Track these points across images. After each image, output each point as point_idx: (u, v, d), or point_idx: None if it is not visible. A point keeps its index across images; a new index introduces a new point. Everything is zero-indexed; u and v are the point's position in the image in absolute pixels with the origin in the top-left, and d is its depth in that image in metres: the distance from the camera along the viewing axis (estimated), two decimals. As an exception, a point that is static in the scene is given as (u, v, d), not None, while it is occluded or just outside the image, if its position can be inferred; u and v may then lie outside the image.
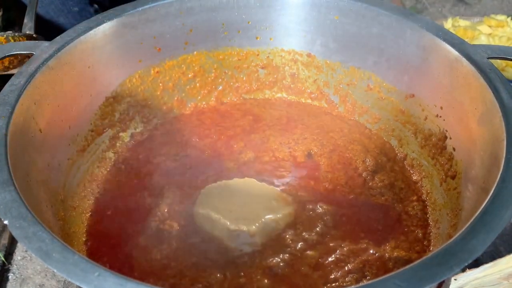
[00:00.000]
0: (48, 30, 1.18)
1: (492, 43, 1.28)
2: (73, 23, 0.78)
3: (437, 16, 1.77)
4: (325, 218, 0.73)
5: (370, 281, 0.45)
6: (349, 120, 0.92)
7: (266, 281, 0.65)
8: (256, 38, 0.92)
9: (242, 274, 0.66)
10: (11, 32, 0.92)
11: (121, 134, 0.86)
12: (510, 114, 0.61)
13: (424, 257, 0.47)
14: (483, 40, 1.28)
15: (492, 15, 1.38)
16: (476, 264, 0.82)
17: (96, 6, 1.22)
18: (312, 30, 0.89)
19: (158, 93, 0.90)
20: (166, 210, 0.74)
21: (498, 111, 0.62)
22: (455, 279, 0.80)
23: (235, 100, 0.96)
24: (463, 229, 0.50)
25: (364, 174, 0.81)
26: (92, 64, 0.79)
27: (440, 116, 0.77)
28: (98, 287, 0.44)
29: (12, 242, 1.01)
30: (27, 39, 0.92)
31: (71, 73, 0.75)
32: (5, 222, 0.50)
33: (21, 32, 0.95)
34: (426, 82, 0.79)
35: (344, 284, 0.65)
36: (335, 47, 0.89)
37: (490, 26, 1.33)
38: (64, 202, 0.71)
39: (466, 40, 1.24)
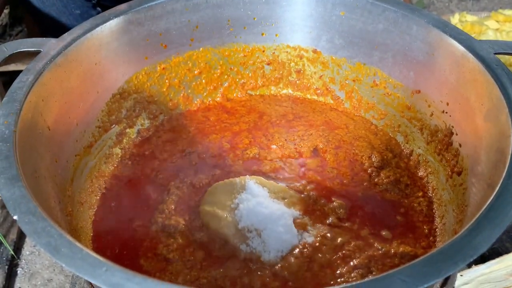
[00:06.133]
0: (51, 29, 1.18)
1: (500, 38, 1.27)
2: (75, 24, 0.78)
3: (444, 11, 1.76)
4: (332, 214, 0.73)
5: (375, 277, 0.45)
6: (355, 116, 0.92)
7: (271, 277, 0.66)
8: (262, 34, 0.92)
9: (248, 270, 0.66)
10: None
11: (127, 130, 0.87)
12: (517, 110, 0.61)
13: (429, 253, 0.47)
14: (490, 35, 1.27)
15: (500, 10, 1.36)
16: (482, 260, 0.82)
17: (99, 9, 1.21)
18: (318, 26, 0.89)
19: (164, 89, 0.90)
20: (172, 206, 0.74)
21: (505, 107, 0.62)
22: (461, 275, 0.80)
23: (240, 96, 0.96)
24: (469, 225, 0.50)
25: (369, 170, 0.81)
26: (99, 61, 0.79)
27: (446, 112, 0.77)
28: (106, 282, 0.45)
29: (21, 237, 1.02)
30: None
31: (78, 70, 0.76)
32: (15, 217, 0.51)
33: (27, 29, 0.92)
34: (432, 78, 0.79)
35: (350, 279, 0.65)
36: (341, 43, 0.89)
37: (497, 21, 1.32)
38: (71, 198, 0.72)
39: (473, 35, 1.24)
